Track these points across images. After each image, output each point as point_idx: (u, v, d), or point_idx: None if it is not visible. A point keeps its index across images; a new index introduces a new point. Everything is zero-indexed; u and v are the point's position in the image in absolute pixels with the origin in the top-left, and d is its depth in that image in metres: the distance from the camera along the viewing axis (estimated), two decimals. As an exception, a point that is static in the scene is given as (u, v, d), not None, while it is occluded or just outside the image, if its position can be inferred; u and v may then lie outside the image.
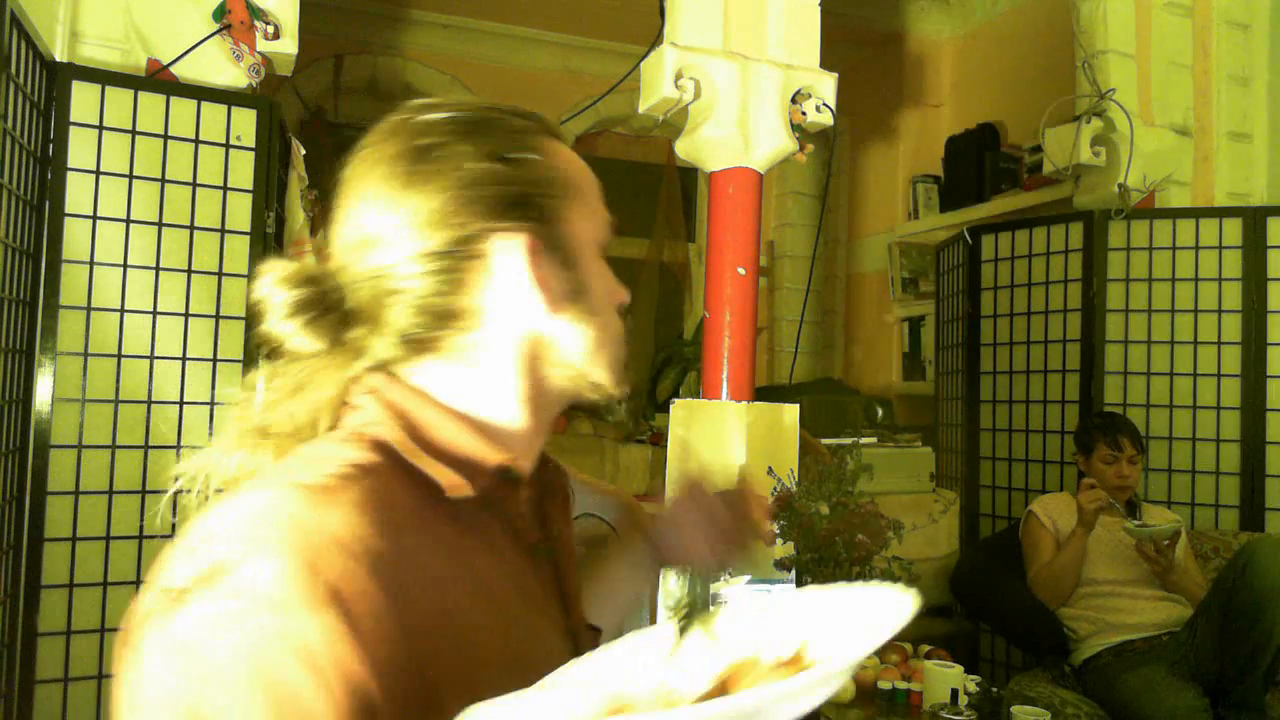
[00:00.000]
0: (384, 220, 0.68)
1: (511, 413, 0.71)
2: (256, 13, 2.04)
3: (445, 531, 0.64)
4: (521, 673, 0.61)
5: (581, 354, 0.73)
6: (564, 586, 0.77)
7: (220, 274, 1.99)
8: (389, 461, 0.64)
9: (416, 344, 0.69)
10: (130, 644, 0.54)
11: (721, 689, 0.59)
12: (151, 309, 1.92)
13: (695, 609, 0.68)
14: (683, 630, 0.66)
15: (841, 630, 0.58)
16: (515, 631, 0.66)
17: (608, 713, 0.58)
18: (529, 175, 0.70)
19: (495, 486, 0.68)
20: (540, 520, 0.78)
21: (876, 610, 0.57)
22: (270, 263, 0.68)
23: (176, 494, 0.68)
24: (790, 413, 2.28)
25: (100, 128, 1.88)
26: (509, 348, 0.70)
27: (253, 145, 2.02)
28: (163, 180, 1.94)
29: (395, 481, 0.63)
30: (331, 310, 0.68)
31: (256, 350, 0.71)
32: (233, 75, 2.04)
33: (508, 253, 0.68)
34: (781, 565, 2.14)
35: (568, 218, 0.72)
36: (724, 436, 2.22)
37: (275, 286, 0.67)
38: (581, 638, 0.77)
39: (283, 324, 0.67)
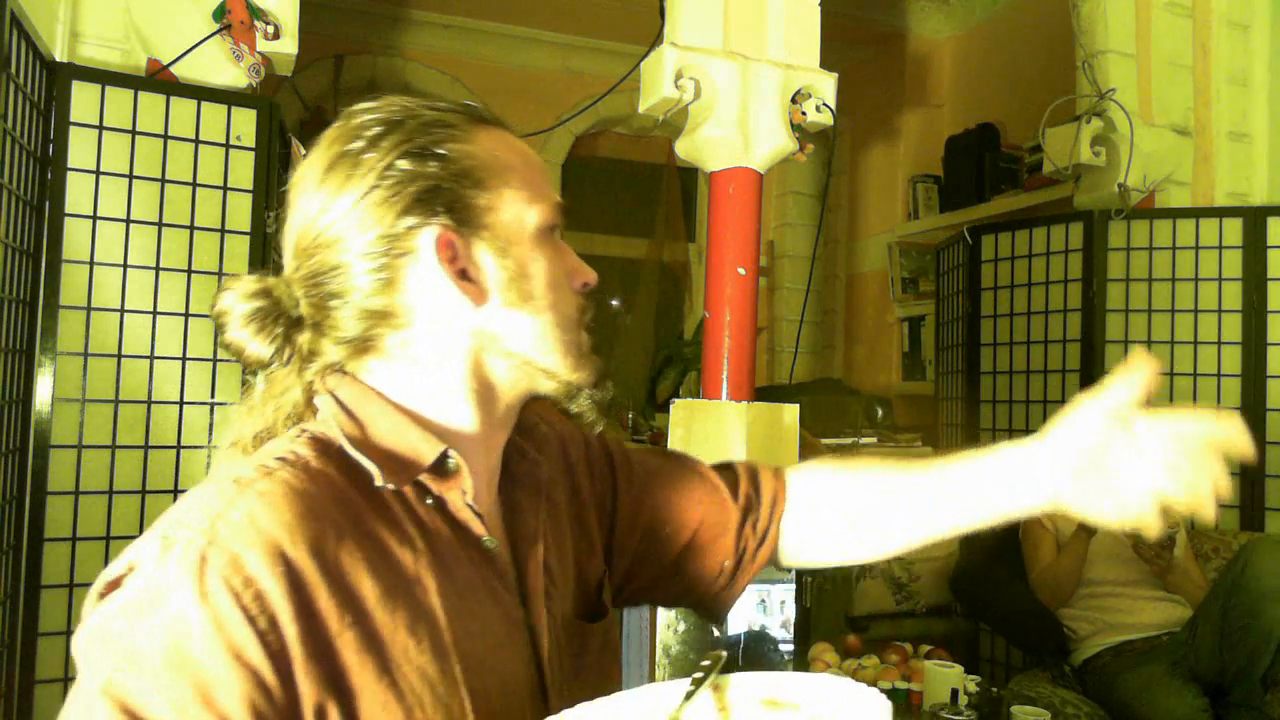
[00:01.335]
0: (318, 226, 0.70)
1: (458, 409, 0.72)
2: (256, 13, 2.04)
3: (372, 523, 0.66)
4: (444, 663, 0.64)
5: (527, 342, 0.72)
6: (525, 580, 0.76)
7: (220, 274, 1.99)
8: (324, 456, 0.67)
9: (358, 344, 0.71)
10: (74, 645, 0.60)
11: None
12: (151, 309, 1.92)
13: (711, 673, 0.68)
14: (692, 693, 0.66)
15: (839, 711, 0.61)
16: (443, 623, 0.66)
17: None
18: (444, 169, 0.70)
19: (436, 480, 0.70)
20: (510, 513, 0.78)
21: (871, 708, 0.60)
22: (229, 278, 0.72)
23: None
24: (790, 413, 2.28)
25: (100, 128, 1.88)
26: (446, 343, 0.71)
27: (253, 145, 2.02)
28: (163, 180, 1.94)
29: (320, 472, 0.65)
30: (281, 317, 0.70)
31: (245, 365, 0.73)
32: (233, 75, 2.04)
33: (428, 247, 0.69)
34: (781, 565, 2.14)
35: (493, 205, 0.71)
36: (724, 436, 2.22)
37: (233, 299, 0.70)
38: (542, 633, 0.75)
39: (238, 333, 0.70)
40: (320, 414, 0.71)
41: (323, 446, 0.68)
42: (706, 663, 0.68)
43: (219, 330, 0.71)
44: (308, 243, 0.70)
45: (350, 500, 0.66)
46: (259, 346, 0.70)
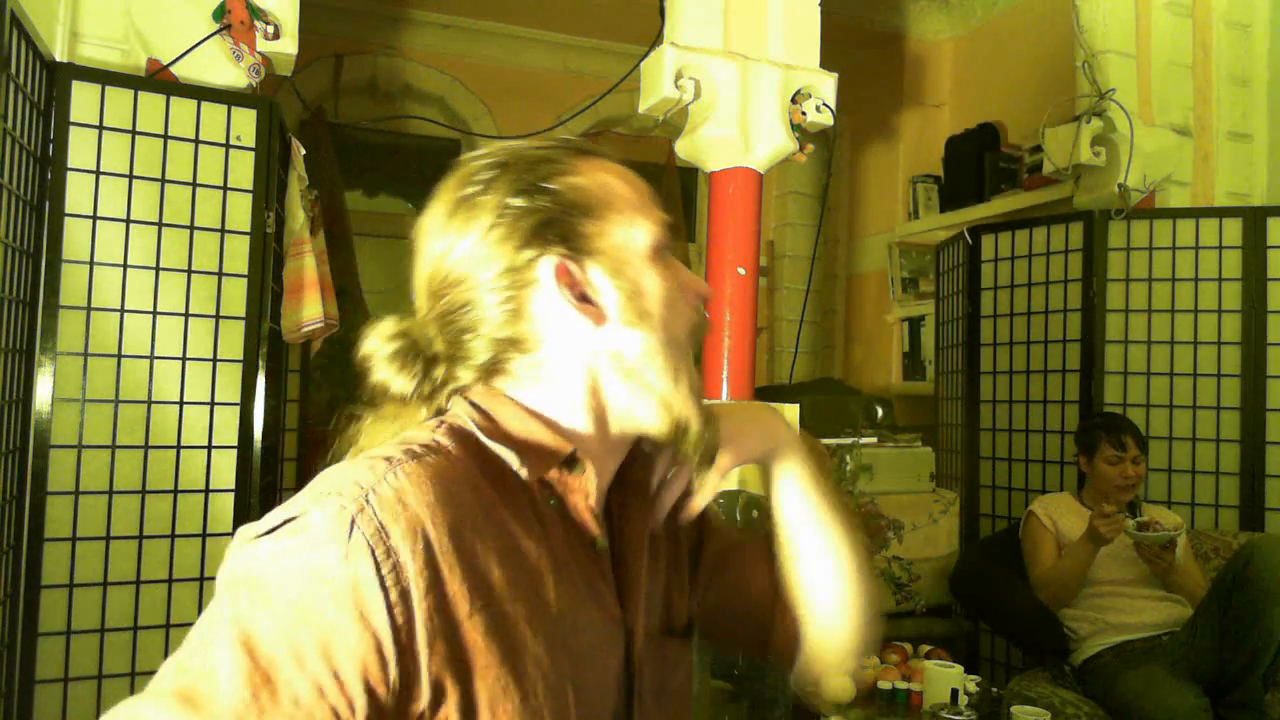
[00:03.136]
0: (443, 268, 0.76)
1: (580, 420, 0.77)
2: (256, 13, 2.04)
3: (502, 514, 0.70)
4: (556, 654, 0.68)
5: (643, 358, 0.76)
6: (625, 585, 0.79)
7: (220, 274, 1.99)
8: (460, 444, 0.72)
9: (488, 369, 0.76)
10: (219, 575, 0.64)
11: None
12: (151, 309, 1.92)
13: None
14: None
15: None
16: (555, 616, 0.70)
17: None
18: (553, 201, 0.75)
19: (561, 478, 0.75)
20: (618, 518, 0.82)
21: None
22: (375, 322, 0.78)
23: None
24: (790, 413, 2.28)
25: (100, 128, 1.88)
26: (570, 363, 0.76)
27: (253, 145, 2.02)
28: (163, 180, 1.94)
29: (460, 460, 0.70)
30: (420, 355, 0.77)
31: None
32: (233, 75, 2.04)
33: (547, 276, 0.74)
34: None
35: (603, 231, 0.76)
36: (724, 436, 2.22)
37: (377, 341, 0.77)
38: (638, 638, 0.78)
39: (383, 374, 0.77)
40: (454, 410, 0.76)
41: (460, 436, 0.72)
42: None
43: (365, 373, 0.77)
44: (437, 284, 0.76)
45: (484, 490, 0.70)
46: (402, 383, 0.76)
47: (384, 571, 0.61)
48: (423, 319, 0.78)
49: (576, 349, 0.75)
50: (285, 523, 0.64)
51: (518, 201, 0.74)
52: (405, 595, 0.61)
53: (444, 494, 0.66)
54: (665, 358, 0.76)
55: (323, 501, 0.64)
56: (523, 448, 0.72)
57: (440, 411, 0.78)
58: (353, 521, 0.62)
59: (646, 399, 0.77)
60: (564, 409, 0.76)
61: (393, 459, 0.67)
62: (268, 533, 0.64)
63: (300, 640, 0.59)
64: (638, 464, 0.85)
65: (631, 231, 0.77)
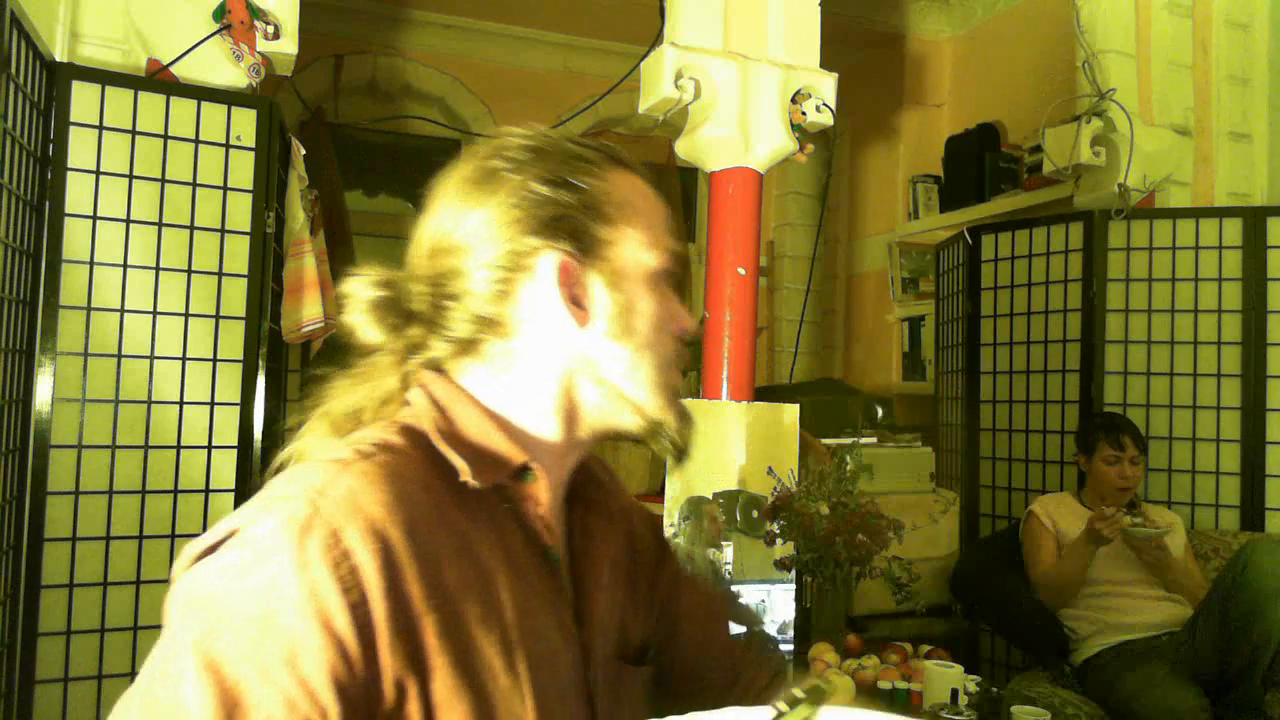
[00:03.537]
0: (449, 231, 0.75)
1: (544, 421, 0.76)
2: (256, 13, 2.04)
3: (454, 515, 0.69)
4: (510, 658, 0.67)
5: (621, 373, 0.76)
6: (582, 601, 0.78)
7: (220, 274, 1.99)
8: (415, 446, 0.71)
9: (463, 345, 0.75)
10: (167, 602, 0.62)
11: None
12: (151, 309, 1.92)
13: (802, 702, 0.66)
14: (780, 716, 0.65)
15: None
16: (510, 619, 0.69)
17: None
18: (577, 199, 0.75)
19: (514, 485, 0.74)
20: (578, 532, 0.81)
21: None
22: (363, 265, 0.77)
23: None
24: (790, 413, 2.28)
25: (100, 128, 1.88)
26: (545, 358, 0.75)
27: (253, 145, 2.02)
28: (163, 180, 1.94)
29: (414, 462, 0.69)
30: (398, 310, 0.75)
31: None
32: (233, 75, 2.04)
33: (548, 269, 0.74)
34: (782, 565, 2.14)
35: (614, 241, 0.76)
36: (724, 436, 2.22)
37: (359, 285, 0.75)
38: (595, 656, 0.77)
39: (357, 316, 0.75)
40: (412, 407, 0.75)
41: (414, 437, 0.71)
42: (799, 694, 0.65)
43: (340, 310, 0.76)
44: (438, 246, 0.75)
45: (437, 490, 0.69)
46: (374, 334, 0.75)
47: (341, 573, 0.60)
48: (412, 274, 0.77)
49: (553, 346, 0.75)
50: (228, 537, 0.62)
51: (542, 189, 0.74)
52: (364, 596, 0.60)
53: (398, 493, 0.65)
54: (644, 375, 0.76)
55: (270, 510, 0.62)
56: (474, 455, 0.71)
57: (405, 383, 0.77)
58: (304, 527, 0.61)
59: (620, 406, 0.77)
60: (529, 407, 0.75)
61: (344, 460, 0.66)
62: (212, 549, 0.62)
63: (264, 656, 0.58)
64: (601, 487, 0.84)
65: (640, 250, 0.77)
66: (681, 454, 0.80)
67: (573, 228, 0.74)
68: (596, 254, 0.75)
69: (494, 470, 0.72)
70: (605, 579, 0.81)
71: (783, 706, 0.65)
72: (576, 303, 0.74)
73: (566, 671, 0.74)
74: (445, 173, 0.78)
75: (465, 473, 0.69)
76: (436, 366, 0.77)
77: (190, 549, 0.64)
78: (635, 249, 0.77)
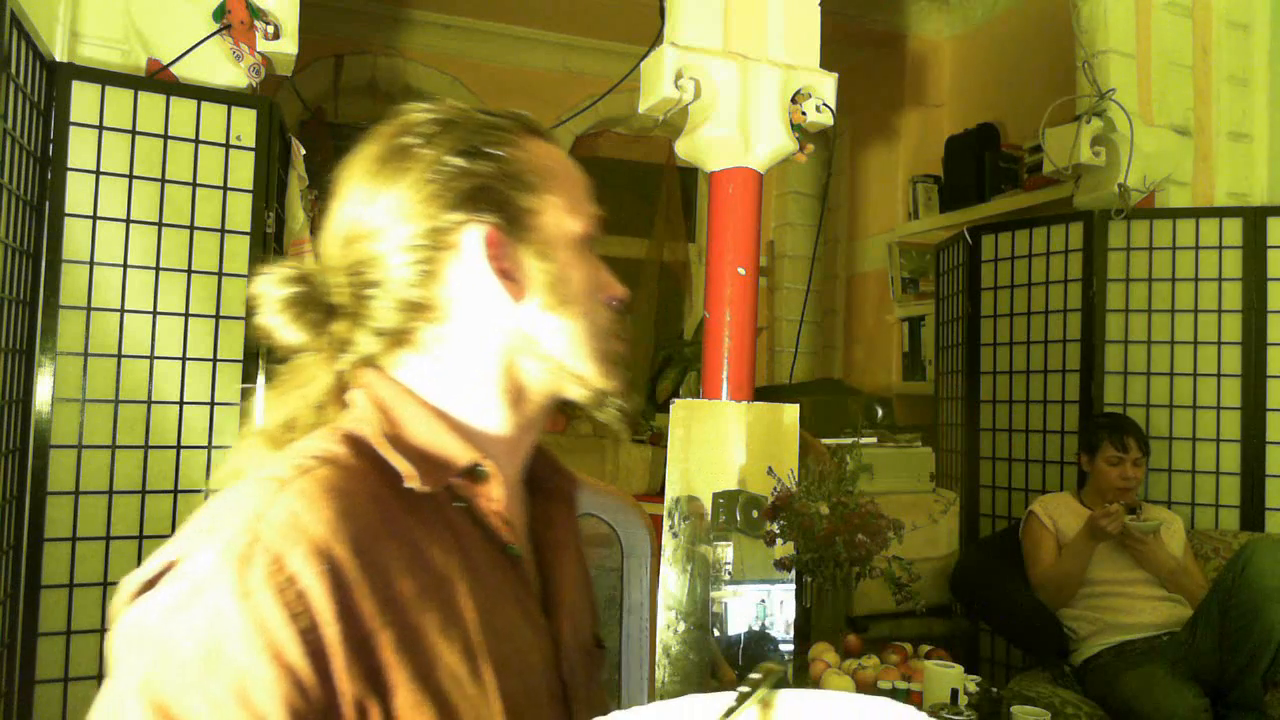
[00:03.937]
0: (362, 215, 0.71)
1: (491, 410, 0.73)
2: (256, 13, 2.04)
3: (405, 523, 0.66)
4: (475, 664, 0.64)
5: (560, 346, 0.73)
6: (550, 591, 0.76)
7: (220, 274, 1.99)
8: (358, 454, 0.67)
9: (393, 336, 0.71)
10: (111, 638, 0.60)
11: None
12: (151, 309, 1.92)
13: (761, 686, 0.66)
14: (741, 701, 0.64)
15: None
16: (472, 624, 0.66)
17: None
18: (496, 169, 0.71)
19: (466, 484, 0.70)
20: (540, 523, 0.79)
21: None
22: (270, 264, 0.72)
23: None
24: (790, 413, 2.28)
25: (100, 128, 1.88)
26: (482, 340, 0.72)
27: (253, 145, 2.02)
28: (163, 180, 1.94)
29: (358, 473, 0.65)
30: (317, 305, 0.71)
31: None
32: (233, 75, 2.04)
33: (475, 243, 0.70)
34: (781, 565, 2.14)
35: (539, 210, 0.73)
36: (724, 436, 2.22)
37: (269, 283, 0.71)
38: (566, 645, 0.75)
39: (272, 318, 0.71)
40: (354, 411, 0.71)
41: (356, 445, 0.68)
42: (756, 676, 0.65)
43: (250, 315, 0.72)
44: (352, 232, 0.71)
45: (384, 499, 0.65)
46: (292, 333, 0.71)
47: (288, 600, 0.57)
48: (327, 264, 0.73)
49: (490, 325, 0.71)
50: (166, 570, 0.60)
51: (457, 161, 0.70)
52: (314, 621, 0.58)
53: (343, 508, 0.61)
54: (584, 345, 0.74)
55: (209, 539, 0.59)
56: (420, 457, 0.68)
57: (341, 384, 0.73)
58: (245, 555, 0.57)
59: (564, 379, 0.74)
60: (471, 394, 0.72)
61: (282, 478, 0.62)
62: (150, 583, 0.60)
63: (214, 693, 0.55)
64: (560, 474, 0.82)
65: (564, 216, 0.74)
66: (627, 421, 0.77)
67: (495, 198, 0.71)
68: (523, 224, 0.72)
69: (442, 472, 0.69)
70: (571, 568, 0.79)
71: (744, 689, 0.65)
72: (508, 276, 0.71)
73: (537, 666, 0.72)
74: (351, 155, 0.74)
75: (412, 478, 0.66)
76: (371, 363, 0.73)
77: (127, 584, 0.61)
78: (561, 216, 0.74)
